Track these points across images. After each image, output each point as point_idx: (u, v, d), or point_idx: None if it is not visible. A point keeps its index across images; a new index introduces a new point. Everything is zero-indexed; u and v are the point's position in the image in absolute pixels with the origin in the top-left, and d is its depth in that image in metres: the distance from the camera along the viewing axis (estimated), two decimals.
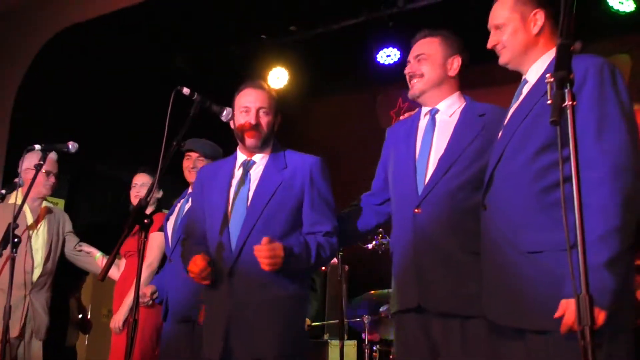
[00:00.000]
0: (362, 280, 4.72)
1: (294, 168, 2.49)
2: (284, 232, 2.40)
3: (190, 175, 3.27)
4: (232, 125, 2.55)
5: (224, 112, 2.40)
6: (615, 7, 4.33)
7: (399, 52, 5.42)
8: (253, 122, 2.46)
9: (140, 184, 3.63)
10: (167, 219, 3.35)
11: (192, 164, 3.25)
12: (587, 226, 1.62)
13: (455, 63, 2.37)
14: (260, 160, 2.53)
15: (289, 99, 5.35)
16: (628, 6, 4.30)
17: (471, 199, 2.16)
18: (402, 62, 5.42)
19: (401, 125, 2.50)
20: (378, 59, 5.50)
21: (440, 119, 2.36)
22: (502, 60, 2.09)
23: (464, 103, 2.37)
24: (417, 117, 2.44)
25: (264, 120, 2.48)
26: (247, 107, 2.48)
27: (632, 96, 4.94)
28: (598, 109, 1.77)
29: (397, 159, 2.39)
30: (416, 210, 2.22)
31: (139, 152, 4.12)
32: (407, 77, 2.43)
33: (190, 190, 3.31)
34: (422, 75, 2.37)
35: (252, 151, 2.53)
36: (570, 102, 1.38)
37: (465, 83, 2.44)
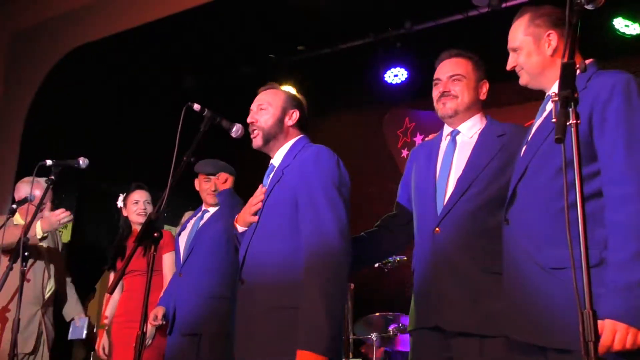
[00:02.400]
0: (368, 297, 4.72)
1: (299, 160, 2.32)
2: (281, 232, 2.23)
3: (210, 198, 3.31)
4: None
5: (234, 128, 2.42)
6: (621, 30, 4.37)
7: (406, 72, 5.47)
8: (248, 120, 2.40)
9: (144, 201, 3.67)
10: (179, 234, 3.38)
11: (214, 187, 3.29)
12: (616, 244, 1.65)
13: (485, 87, 2.40)
14: (277, 161, 2.39)
15: None
16: (634, 29, 4.34)
17: (490, 219, 2.16)
18: (409, 82, 5.54)
19: (423, 146, 2.51)
20: (385, 79, 5.55)
21: (460, 140, 2.37)
22: (521, 82, 2.12)
23: (485, 124, 2.39)
24: (439, 138, 2.45)
25: (261, 116, 2.38)
26: (251, 110, 2.43)
27: None
28: (626, 124, 1.76)
29: (418, 179, 2.40)
30: (436, 230, 2.23)
31: (145, 170, 4.16)
32: (437, 96, 2.39)
33: (204, 207, 3.36)
34: (456, 96, 2.37)
35: (267, 153, 2.43)
36: (574, 121, 1.40)
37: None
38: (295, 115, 2.43)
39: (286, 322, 2.10)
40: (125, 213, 3.75)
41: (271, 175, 2.37)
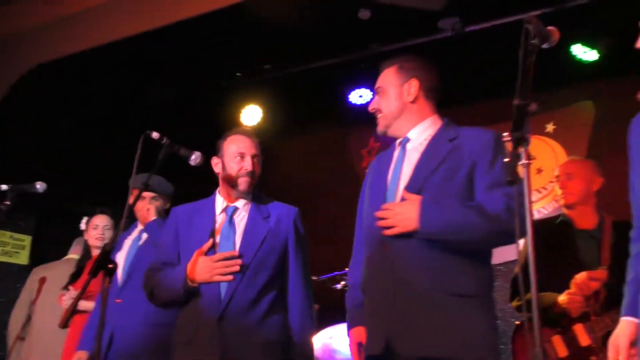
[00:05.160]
0: (332, 316, 4.71)
1: (278, 217, 2.57)
2: (268, 281, 2.49)
3: (147, 215, 3.20)
4: (217, 170, 2.60)
5: (193, 156, 2.43)
6: (579, 56, 4.48)
7: (371, 93, 5.50)
8: (250, 168, 2.55)
9: (103, 226, 3.63)
10: (114, 255, 3.27)
11: (149, 203, 3.18)
12: None
13: (413, 88, 2.28)
14: (243, 206, 2.58)
15: (262, 137, 5.37)
16: (591, 55, 4.46)
17: None
18: None
19: (377, 159, 2.44)
20: (350, 99, 5.58)
21: (410, 147, 2.27)
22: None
23: (437, 128, 2.28)
24: (392, 148, 2.37)
25: (257, 168, 2.60)
26: (242, 153, 2.56)
27: (594, 142, 5.04)
28: None
29: (370, 191, 2.33)
30: (384, 247, 2.13)
31: (108, 192, 4.11)
32: None
33: (140, 227, 3.25)
34: (380, 111, 2.32)
35: (237, 197, 2.58)
36: (527, 161, 1.43)
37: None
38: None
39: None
40: (86, 236, 3.70)
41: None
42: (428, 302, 2.04)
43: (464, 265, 2.08)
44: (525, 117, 1.45)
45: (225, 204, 2.58)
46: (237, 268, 2.40)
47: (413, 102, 2.28)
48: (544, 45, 1.60)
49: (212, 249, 2.45)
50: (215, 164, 2.61)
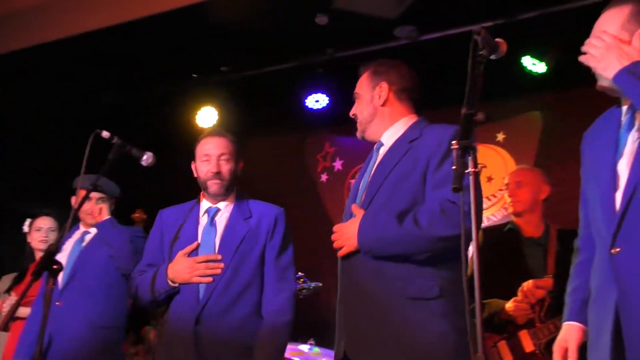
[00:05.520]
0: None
1: (259, 217, 2.54)
2: (248, 283, 2.45)
3: (89, 218, 3.12)
4: (194, 174, 2.60)
5: (144, 157, 2.40)
6: (529, 68, 4.60)
7: (327, 98, 5.53)
8: (214, 170, 2.52)
9: (47, 228, 3.54)
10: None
11: (96, 203, 3.12)
12: None
13: (383, 91, 2.28)
14: (225, 207, 2.57)
15: None
16: (540, 67, 4.59)
17: None
18: (330, 108, 5.61)
19: (364, 166, 2.41)
20: (307, 104, 5.59)
21: (382, 151, 2.27)
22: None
23: (406, 129, 2.26)
24: (371, 154, 2.37)
25: (225, 167, 2.54)
26: (207, 155, 2.54)
27: (542, 151, 5.15)
28: None
29: (347, 201, 2.34)
30: (343, 259, 2.17)
31: (57, 192, 4.01)
32: None
33: (83, 229, 3.19)
34: (355, 116, 2.33)
35: (215, 199, 2.57)
36: (473, 169, 1.46)
37: None
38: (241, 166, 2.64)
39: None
40: (29, 238, 3.60)
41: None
42: (383, 309, 2.04)
43: (419, 268, 2.04)
44: (473, 126, 1.48)
45: (208, 206, 2.59)
46: (219, 271, 2.40)
47: (384, 105, 2.27)
48: (492, 57, 1.63)
49: (195, 251, 2.46)
50: (193, 169, 2.62)
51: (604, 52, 1.66)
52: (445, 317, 1.99)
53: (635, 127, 1.73)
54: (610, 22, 1.76)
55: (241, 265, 2.45)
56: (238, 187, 2.65)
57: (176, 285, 2.42)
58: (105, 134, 2.28)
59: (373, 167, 2.26)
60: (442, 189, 2.03)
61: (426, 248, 2.01)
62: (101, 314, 2.91)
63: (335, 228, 2.18)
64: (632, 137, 1.73)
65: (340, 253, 2.15)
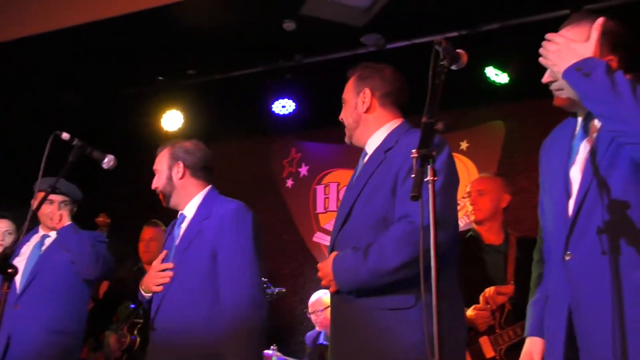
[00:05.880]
0: None
1: (217, 216, 2.49)
2: (199, 288, 2.38)
3: (50, 222, 3.08)
4: None
5: (106, 159, 2.38)
6: (492, 78, 4.69)
7: (294, 104, 5.52)
8: (153, 186, 2.60)
9: (4, 231, 3.46)
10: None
11: (59, 208, 3.08)
12: None
13: (366, 97, 2.26)
14: (190, 212, 2.57)
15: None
16: (503, 78, 4.68)
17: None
18: (297, 113, 5.61)
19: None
20: (273, 109, 5.58)
21: (365, 161, 2.28)
22: None
23: (384, 138, 2.24)
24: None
25: (158, 182, 2.58)
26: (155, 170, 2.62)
27: (503, 160, 5.22)
28: None
29: (341, 204, 2.34)
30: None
31: (10, 192, 3.92)
32: None
33: (42, 232, 3.14)
34: (343, 121, 2.33)
35: (176, 208, 2.62)
36: (432, 178, 1.48)
37: None
38: (180, 168, 2.58)
39: None
40: None
41: (183, 226, 2.53)
42: (359, 320, 2.06)
43: (395, 284, 2.03)
44: (432, 135, 1.50)
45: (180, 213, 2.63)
46: (167, 280, 2.40)
47: (367, 111, 2.27)
48: (453, 67, 1.66)
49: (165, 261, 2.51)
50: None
51: (556, 52, 1.71)
52: (421, 325, 1.95)
53: (588, 135, 1.79)
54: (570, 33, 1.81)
55: (188, 270, 2.41)
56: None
57: (149, 294, 2.47)
58: (65, 135, 2.24)
59: (354, 177, 2.29)
60: (406, 204, 2.02)
61: (395, 279, 2.01)
62: (60, 319, 2.87)
63: (319, 267, 2.18)
64: (584, 145, 1.79)
65: (331, 290, 2.16)
